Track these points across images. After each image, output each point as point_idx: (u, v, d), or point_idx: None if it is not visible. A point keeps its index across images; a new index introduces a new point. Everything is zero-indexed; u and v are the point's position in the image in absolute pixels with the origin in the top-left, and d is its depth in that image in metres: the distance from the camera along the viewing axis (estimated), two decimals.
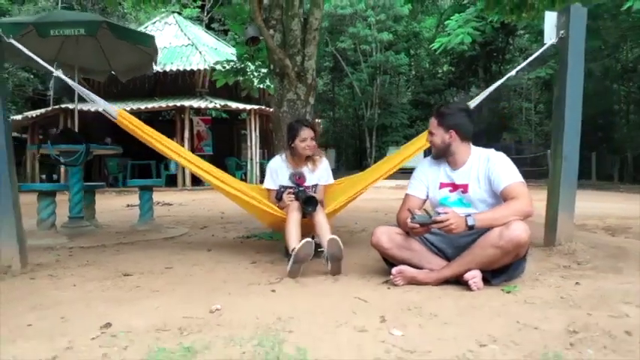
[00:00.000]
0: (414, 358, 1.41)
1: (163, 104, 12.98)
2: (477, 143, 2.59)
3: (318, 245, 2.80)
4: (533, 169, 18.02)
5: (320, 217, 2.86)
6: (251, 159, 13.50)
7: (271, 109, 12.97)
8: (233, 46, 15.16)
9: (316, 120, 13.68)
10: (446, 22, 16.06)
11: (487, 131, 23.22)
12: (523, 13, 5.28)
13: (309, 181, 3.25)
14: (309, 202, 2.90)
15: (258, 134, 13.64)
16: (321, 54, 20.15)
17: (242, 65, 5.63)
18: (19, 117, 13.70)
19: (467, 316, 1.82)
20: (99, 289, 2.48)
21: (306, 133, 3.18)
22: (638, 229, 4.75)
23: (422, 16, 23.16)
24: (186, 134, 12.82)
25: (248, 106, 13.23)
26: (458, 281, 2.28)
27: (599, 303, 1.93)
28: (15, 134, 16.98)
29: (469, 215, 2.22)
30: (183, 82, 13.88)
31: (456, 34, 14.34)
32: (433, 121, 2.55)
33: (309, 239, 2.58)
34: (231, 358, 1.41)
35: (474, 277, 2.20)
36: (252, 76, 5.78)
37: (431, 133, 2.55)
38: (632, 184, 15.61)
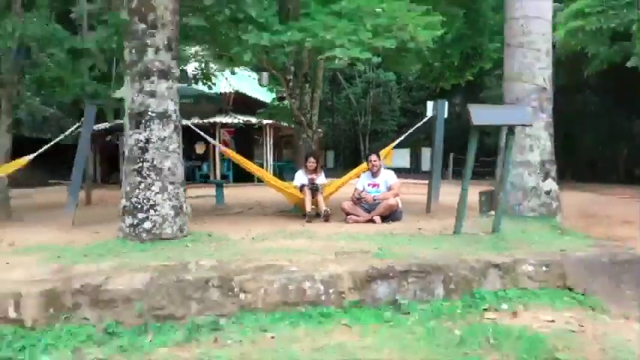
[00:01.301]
0: (348, 232, 5.09)
1: (199, 120, 16.63)
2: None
3: (319, 213, 6.48)
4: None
5: (320, 197, 6.52)
6: (266, 161, 17.23)
7: (283, 123, 16.31)
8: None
9: (317, 129, 17.51)
10: None
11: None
12: (440, 82, 8.96)
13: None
14: (314, 186, 6.58)
15: (272, 143, 17.37)
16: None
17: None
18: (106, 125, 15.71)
19: (367, 229, 5.50)
20: (229, 226, 6.12)
21: (310, 159, 6.87)
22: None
23: None
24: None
25: (265, 121, 16.91)
26: (372, 220, 5.96)
27: (415, 226, 5.61)
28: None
29: (375, 195, 5.92)
30: None
31: None
32: (375, 156, 6.23)
33: (312, 213, 6.25)
34: (296, 229, 5.13)
35: (377, 219, 5.88)
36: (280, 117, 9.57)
37: (376, 161, 6.21)
38: (582, 182, 17.96)
